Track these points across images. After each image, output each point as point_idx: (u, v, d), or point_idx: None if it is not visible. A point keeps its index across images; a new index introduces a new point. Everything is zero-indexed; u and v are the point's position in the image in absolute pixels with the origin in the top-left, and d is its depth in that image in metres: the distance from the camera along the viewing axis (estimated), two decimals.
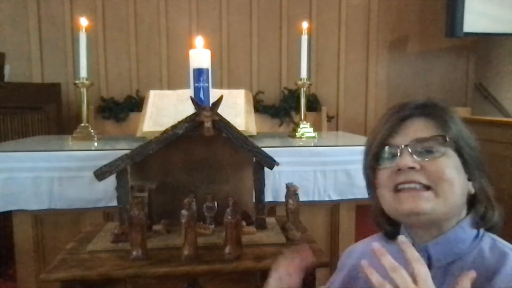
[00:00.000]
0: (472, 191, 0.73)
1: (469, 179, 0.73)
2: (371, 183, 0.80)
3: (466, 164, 0.73)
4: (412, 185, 0.70)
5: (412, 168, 0.70)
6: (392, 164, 0.73)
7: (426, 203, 0.69)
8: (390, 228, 0.81)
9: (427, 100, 0.77)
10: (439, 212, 0.69)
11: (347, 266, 0.90)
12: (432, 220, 0.71)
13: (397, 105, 0.78)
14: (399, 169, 0.71)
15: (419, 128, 0.73)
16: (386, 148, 0.75)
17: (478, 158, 0.74)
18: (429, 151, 0.71)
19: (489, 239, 0.72)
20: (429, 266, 0.72)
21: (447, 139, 0.71)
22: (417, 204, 0.69)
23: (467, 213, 0.74)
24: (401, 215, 0.72)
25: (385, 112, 0.79)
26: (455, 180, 0.70)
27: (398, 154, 0.72)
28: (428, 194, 0.69)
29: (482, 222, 0.73)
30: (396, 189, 0.72)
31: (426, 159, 0.70)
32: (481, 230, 0.73)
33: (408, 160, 0.70)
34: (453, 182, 0.70)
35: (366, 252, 0.87)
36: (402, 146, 0.72)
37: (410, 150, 0.71)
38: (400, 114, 0.75)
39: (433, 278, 0.72)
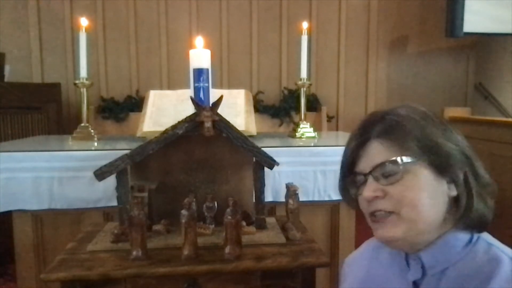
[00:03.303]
0: (454, 193, 0.70)
1: (449, 181, 0.70)
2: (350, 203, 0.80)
3: (441, 168, 0.69)
4: (382, 213, 0.70)
5: (376, 196, 0.70)
6: (362, 192, 0.73)
7: (392, 229, 0.69)
8: None
9: (380, 114, 0.75)
10: (411, 234, 0.69)
11: (349, 277, 0.89)
12: (409, 242, 0.71)
13: (359, 126, 0.77)
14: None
15: (376, 153, 0.72)
16: (353, 177, 0.75)
17: (460, 152, 0.70)
18: (388, 175, 0.70)
19: (484, 243, 0.71)
20: (423, 274, 0.72)
21: (400, 161, 0.69)
22: (387, 232, 0.70)
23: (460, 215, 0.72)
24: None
25: (350, 135, 0.78)
26: (420, 201, 0.68)
27: (364, 182, 0.73)
28: (390, 219, 0.70)
29: (471, 223, 0.71)
30: (372, 216, 0.73)
31: (388, 183, 0.70)
32: (475, 235, 0.72)
33: (369, 190, 0.70)
34: (416, 204, 0.68)
35: (365, 258, 0.87)
36: (365, 174, 0.72)
37: (372, 177, 0.71)
38: (359, 140, 0.75)
39: (427, 286, 0.72)
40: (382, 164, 0.70)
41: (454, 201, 0.71)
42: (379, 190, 0.70)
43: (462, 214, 0.70)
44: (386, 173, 0.70)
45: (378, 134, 0.72)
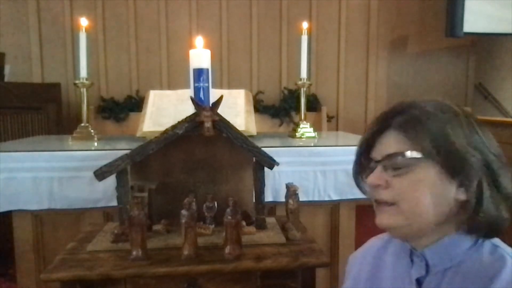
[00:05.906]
0: (463, 197, 0.68)
1: (460, 185, 0.68)
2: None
3: (453, 171, 0.67)
4: (382, 202, 0.72)
5: (379, 185, 0.71)
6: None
7: (388, 218, 0.71)
8: None
9: (406, 105, 0.73)
10: (408, 227, 0.70)
11: (354, 275, 0.90)
12: (406, 234, 0.72)
13: (382, 113, 0.76)
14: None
15: (390, 143, 0.72)
16: (368, 162, 0.76)
17: (480, 160, 0.67)
18: (396, 168, 0.70)
19: (489, 244, 0.71)
20: (427, 271, 0.73)
21: (409, 155, 0.68)
22: (381, 220, 0.72)
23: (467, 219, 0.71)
24: None
25: (373, 119, 0.78)
26: (420, 198, 0.68)
27: (374, 169, 0.73)
28: (389, 209, 0.71)
29: (478, 229, 0.69)
30: (374, 202, 0.75)
31: (395, 175, 0.70)
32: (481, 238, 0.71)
33: (374, 177, 0.72)
34: (416, 201, 0.68)
35: (370, 255, 0.88)
36: (376, 161, 0.73)
37: (382, 166, 0.72)
38: (379, 127, 0.75)
39: (430, 283, 0.72)
40: (392, 155, 0.71)
41: (463, 205, 0.69)
42: (382, 180, 0.71)
43: (466, 219, 0.69)
44: (394, 164, 0.70)
45: (397, 125, 0.72)
